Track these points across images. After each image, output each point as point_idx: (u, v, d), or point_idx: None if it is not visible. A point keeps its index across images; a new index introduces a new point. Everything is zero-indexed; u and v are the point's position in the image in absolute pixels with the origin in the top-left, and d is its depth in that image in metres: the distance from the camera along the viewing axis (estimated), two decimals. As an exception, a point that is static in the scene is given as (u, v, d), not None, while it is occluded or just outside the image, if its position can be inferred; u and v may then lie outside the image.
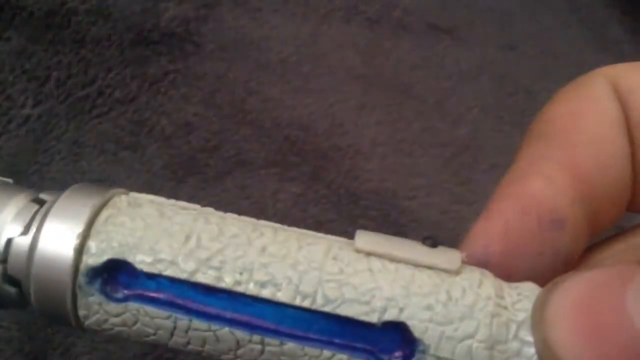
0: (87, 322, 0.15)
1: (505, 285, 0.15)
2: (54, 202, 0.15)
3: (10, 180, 0.17)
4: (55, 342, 0.33)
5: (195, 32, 0.42)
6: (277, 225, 0.16)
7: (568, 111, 0.17)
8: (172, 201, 0.16)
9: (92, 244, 0.14)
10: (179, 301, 0.14)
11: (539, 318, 0.13)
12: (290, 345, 0.14)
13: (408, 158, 0.42)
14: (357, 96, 0.42)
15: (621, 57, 0.48)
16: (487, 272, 0.15)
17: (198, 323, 0.14)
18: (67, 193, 0.15)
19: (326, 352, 0.14)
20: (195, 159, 0.38)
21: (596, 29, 0.49)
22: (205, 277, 0.14)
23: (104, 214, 0.15)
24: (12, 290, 0.15)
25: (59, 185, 0.37)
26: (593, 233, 0.17)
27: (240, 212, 0.39)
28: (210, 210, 0.16)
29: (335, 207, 0.39)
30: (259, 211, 0.37)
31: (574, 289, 0.13)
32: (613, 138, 0.16)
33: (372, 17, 0.45)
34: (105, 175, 0.36)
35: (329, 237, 0.15)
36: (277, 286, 0.14)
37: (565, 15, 0.49)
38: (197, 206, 0.16)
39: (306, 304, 0.14)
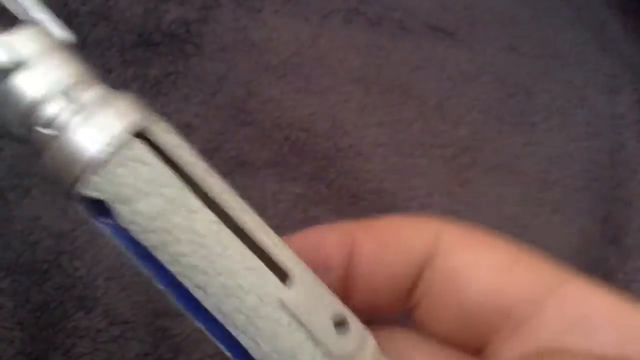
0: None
1: None
2: (94, 107, 0.16)
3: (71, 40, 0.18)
4: (56, 343, 0.33)
5: (196, 33, 0.42)
6: (247, 232, 0.17)
7: (394, 225, 0.22)
8: (188, 159, 0.17)
9: (95, 179, 0.16)
10: (137, 253, 0.16)
11: None
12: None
13: (409, 159, 0.42)
14: (358, 97, 0.42)
15: (622, 57, 0.48)
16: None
17: (144, 269, 0.17)
18: (107, 107, 0.16)
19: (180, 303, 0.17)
20: (196, 160, 0.38)
21: (596, 29, 0.49)
22: (157, 253, 0.16)
23: (119, 156, 0.16)
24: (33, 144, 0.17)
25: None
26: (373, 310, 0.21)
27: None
28: (199, 188, 0.17)
29: (335, 208, 0.39)
30: (260, 212, 0.37)
31: None
32: (396, 274, 0.21)
33: (373, 19, 0.45)
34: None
35: (264, 267, 0.17)
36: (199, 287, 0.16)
37: (566, 16, 0.49)
38: (199, 173, 0.17)
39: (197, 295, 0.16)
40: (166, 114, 0.39)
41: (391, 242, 0.21)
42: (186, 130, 0.38)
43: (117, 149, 0.16)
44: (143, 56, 0.39)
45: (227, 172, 0.38)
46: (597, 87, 0.46)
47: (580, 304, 0.19)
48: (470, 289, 0.20)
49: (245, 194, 0.39)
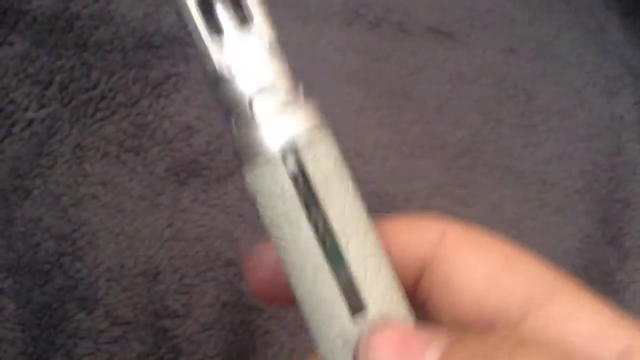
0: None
1: None
2: (269, 113, 0.19)
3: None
4: (58, 344, 0.33)
5: (197, 35, 0.42)
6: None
7: (397, 225, 0.23)
8: (321, 186, 0.20)
9: (245, 169, 0.19)
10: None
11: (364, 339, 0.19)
12: None
13: (409, 161, 0.42)
14: (358, 99, 0.42)
15: (621, 59, 0.48)
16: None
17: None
18: (278, 117, 0.20)
19: None
20: (196, 161, 0.38)
21: (596, 32, 0.49)
22: (269, 233, 0.20)
23: (260, 165, 0.19)
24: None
25: (62, 187, 0.37)
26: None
27: (241, 215, 0.39)
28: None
29: (336, 210, 0.39)
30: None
31: (396, 330, 0.18)
32: (406, 264, 0.22)
33: (373, 21, 0.45)
34: (108, 178, 0.37)
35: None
36: None
37: (565, 18, 0.49)
38: (325, 200, 0.20)
39: None
40: (167, 116, 0.39)
41: (394, 242, 0.22)
42: (187, 132, 0.39)
43: (262, 158, 0.19)
44: (144, 59, 0.39)
45: (228, 173, 0.39)
46: (596, 89, 0.46)
47: (561, 325, 0.19)
48: (463, 295, 0.21)
49: (245, 195, 0.40)
